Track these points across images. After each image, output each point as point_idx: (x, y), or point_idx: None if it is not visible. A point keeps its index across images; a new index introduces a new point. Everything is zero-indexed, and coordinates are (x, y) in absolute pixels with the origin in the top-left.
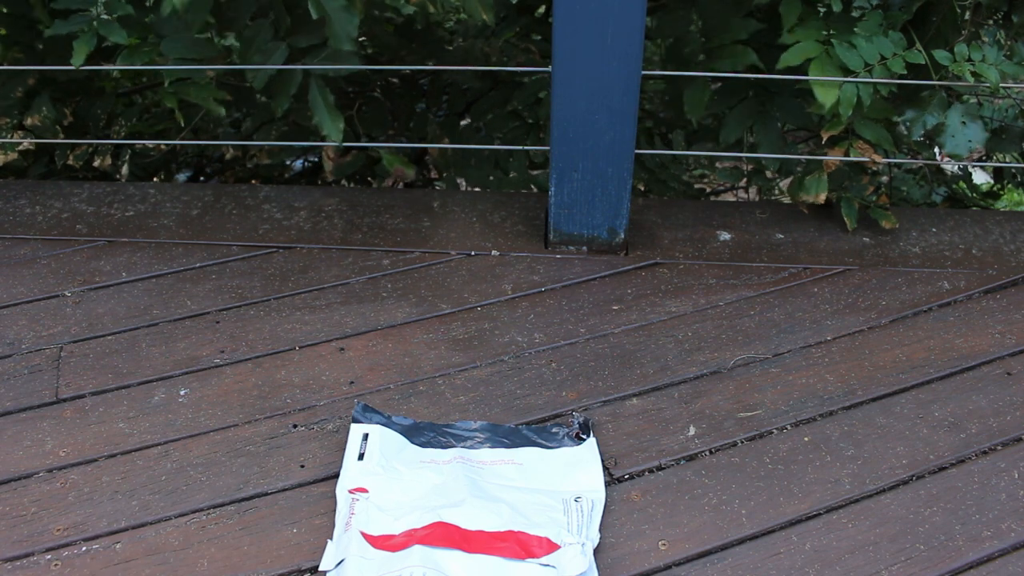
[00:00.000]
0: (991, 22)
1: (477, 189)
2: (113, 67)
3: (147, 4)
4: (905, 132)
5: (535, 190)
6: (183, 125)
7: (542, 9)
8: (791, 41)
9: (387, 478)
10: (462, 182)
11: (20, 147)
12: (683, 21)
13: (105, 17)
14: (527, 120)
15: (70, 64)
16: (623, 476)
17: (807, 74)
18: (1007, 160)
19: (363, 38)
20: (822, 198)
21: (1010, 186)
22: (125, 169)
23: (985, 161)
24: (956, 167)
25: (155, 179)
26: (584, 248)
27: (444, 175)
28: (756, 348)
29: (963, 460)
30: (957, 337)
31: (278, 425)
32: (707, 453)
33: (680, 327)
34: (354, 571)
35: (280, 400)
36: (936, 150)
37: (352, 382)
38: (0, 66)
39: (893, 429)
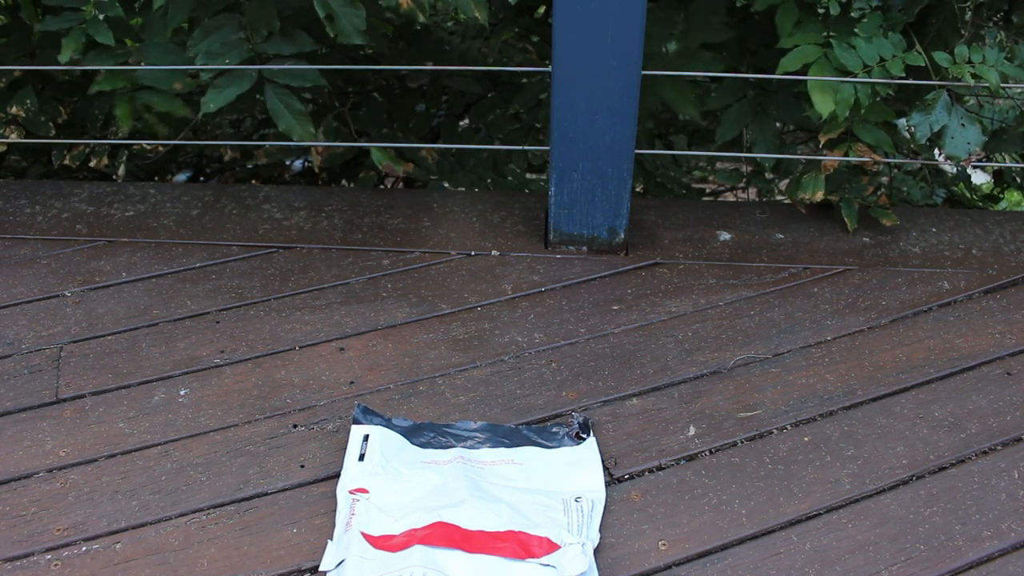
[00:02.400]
0: (991, 23)
1: (476, 190)
2: (80, 67)
3: (136, 6)
4: (908, 136)
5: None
6: (120, 133)
7: (541, 10)
8: (790, 45)
9: (387, 478)
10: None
11: (12, 143)
12: (663, 22)
13: (101, 16)
14: (528, 123)
15: (59, 60)
16: (623, 476)
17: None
18: (1007, 162)
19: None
20: (819, 196)
21: (1009, 189)
22: (122, 170)
23: (985, 162)
24: (955, 169)
25: (154, 180)
26: (584, 248)
27: (432, 180)
28: (756, 348)
29: (963, 460)
30: (957, 337)
31: (278, 425)
32: (707, 453)
33: (680, 327)
34: (354, 571)
35: (280, 400)
36: (936, 151)
37: (352, 382)
38: None
39: (893, 429)
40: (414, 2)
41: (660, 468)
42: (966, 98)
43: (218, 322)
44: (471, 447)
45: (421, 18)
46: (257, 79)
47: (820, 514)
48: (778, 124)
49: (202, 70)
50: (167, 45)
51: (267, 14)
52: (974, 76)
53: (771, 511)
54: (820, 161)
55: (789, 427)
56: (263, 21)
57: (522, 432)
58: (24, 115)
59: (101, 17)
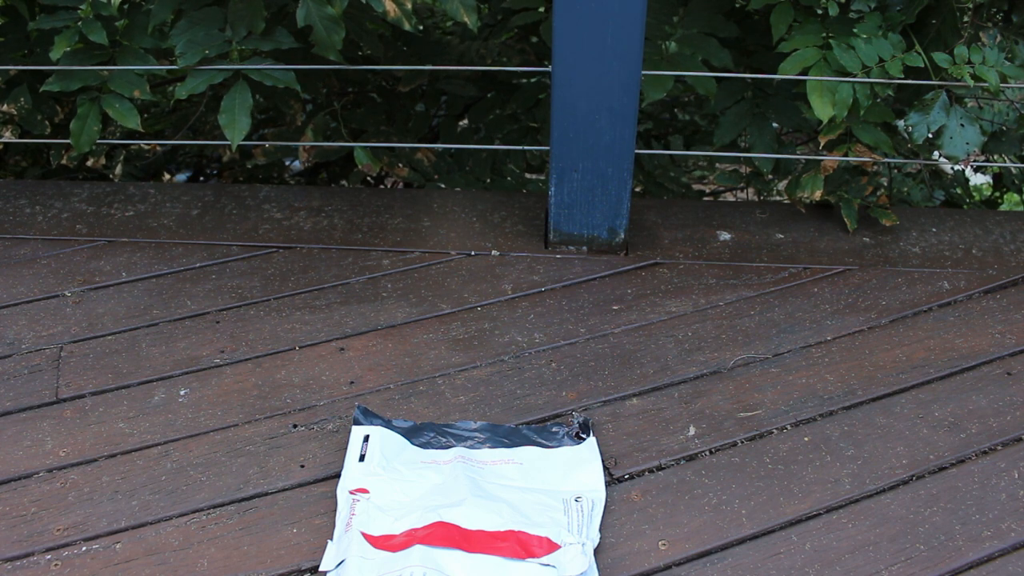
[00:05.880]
0: (991, 24)
1: (475, 190)
2: (62, 67)
3: (124, 7)
4: (906, 136)
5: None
6: (86, 137)
7: (541, 9)
8: (788, 49)
9: (388, 478)
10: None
11: (9, 142)
12: (665, 8)
13: (98, 15)
14: (526, 123)
15: (51, 57)
16: (623, 476)
17: (805, 83)
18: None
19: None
20: (818, 195)
21: (1009, 192)
22: (119, 169)
23: (984, 163)
24: (953, 169)
25: (152, 180)
26: (584, 248)
27: (428, 182)
28: (756, 348)
29: (963, 460)
30: (957, 337)
31: (278, 425)
32: (707, 453)
33: (680, 327)
34: (355, 571)
35: (280, 400)
36: (935, 152)
37: (352, 382)
38: None
39: (893, 429)
40: (400, 10)
41: (660, 468)
42: (965, 100)
43: (218, 322)
44: (471, 447)
45: (407, 26)
46: (232, 73)
47: (820, 514)
48: (775, 126)
49: (179, 67)
50: (142, 53)
51: (253, 12)
52: (974, 77)
53: (771, 511)
54: (819, 161)
55: (789, 427)
56: (247, 19)
57: (522, 432)
58: (17, 113)
59: (92, 16)
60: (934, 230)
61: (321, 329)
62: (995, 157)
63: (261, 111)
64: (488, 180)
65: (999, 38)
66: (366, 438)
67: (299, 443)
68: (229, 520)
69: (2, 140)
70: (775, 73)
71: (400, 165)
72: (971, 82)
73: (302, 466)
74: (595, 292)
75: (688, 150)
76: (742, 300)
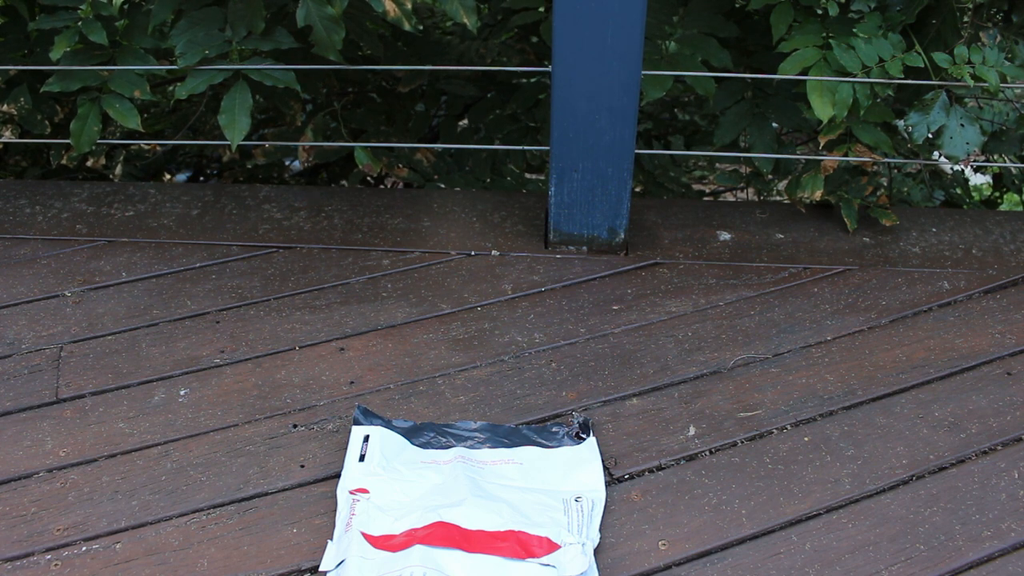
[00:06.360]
0: (991, 24)
1: (475, 189)
2: (61, 67)
3: (123, 6)
4: (906, 136)
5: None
6: (86, 137)
7: (541, 9)
8: (788, 49)
9: (388, 479)
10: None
11: (9, 142)
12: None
13: (98, 15)
14: (526, 123)
15: (51, 57)
16: (623, 476)
17: (805, 83)
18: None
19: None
20: (818, 195)
21: (1008, 192)
22: (119, 170)
23: (984, 163)
24: (952, 169)
25: (152, 180)
26: (584, 248)
27: (428, 182)
28: (756, 348)
29: (963, 460)
30: (957, 337)
31: (278, 425)
32: (707, 453)
33: (680, 327)
34: (355, 571)
35: (280, 400)
36: (936, 152)
37: (352, 382)
38: None
39: (893, 429)
40: (400, 10)
41: (660, 468)
42: (965, 100)
43: (218, 322)
44: (471, 447)
45: (407, 26)
46: (233, 73)
47: (820, 514)
48: (775, 126)
49: (179, 67)
50: (142, 53)
51: (253, 12)
52: (974, 77)
53: (771, 511)
54: (819, 161)
55: (789, 427)
56: (247, 19)
57: (522, 432)
58: (17, 113)
59: (92, 16)
60: (934, 230)
61: (321, 329)
62: (995, 157)
63: (261, 111)
64: (488, 180)
65: (999, 38)
66: (366, 438)
67: (299, 443)
68: (229, 520)
69: (2, 140)
70: (775, 73)
71: (400, 165)
72: (971, 82)
73: (302, 466)
74: (595, 292)
75: (688, 150)
76: (742, 300)
